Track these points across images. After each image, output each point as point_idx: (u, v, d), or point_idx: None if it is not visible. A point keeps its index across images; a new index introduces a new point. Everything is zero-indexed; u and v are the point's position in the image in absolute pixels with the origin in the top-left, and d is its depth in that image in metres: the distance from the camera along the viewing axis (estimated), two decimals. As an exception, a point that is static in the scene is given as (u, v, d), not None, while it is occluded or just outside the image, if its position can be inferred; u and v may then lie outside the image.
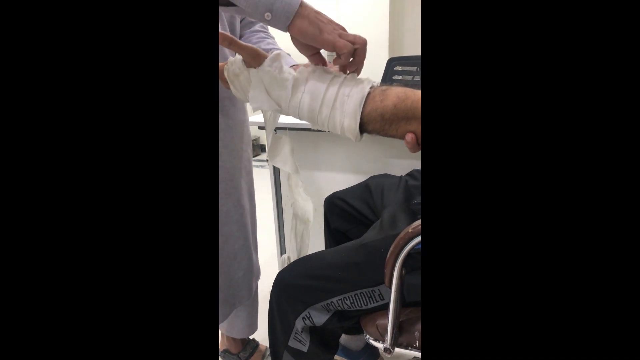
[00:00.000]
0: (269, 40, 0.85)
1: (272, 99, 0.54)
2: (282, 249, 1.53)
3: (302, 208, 0.81)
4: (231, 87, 0.59)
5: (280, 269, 0.76)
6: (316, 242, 1.17)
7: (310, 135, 1.32)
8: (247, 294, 0.95)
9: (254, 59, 0.53)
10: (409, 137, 0.47)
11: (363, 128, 0.50)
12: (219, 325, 1.08)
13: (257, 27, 0.87)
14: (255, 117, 1.32)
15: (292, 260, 0.89)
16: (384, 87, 0.50)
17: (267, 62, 0.53)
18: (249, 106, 0.92)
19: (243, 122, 0.89)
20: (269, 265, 1.11)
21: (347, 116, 0.50)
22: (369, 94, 0.49)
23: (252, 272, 0.96)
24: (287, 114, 0.55)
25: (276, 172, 1.42)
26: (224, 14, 0.76)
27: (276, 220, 1.47)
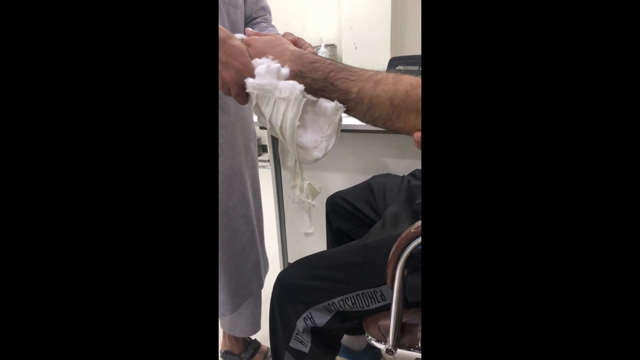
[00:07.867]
0: (270, 29, 0.87)
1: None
2: (284, 249, 1.52)
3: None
4: None
5: (282, 270, 0.75)
6: (318, 242, 1.16)
7: (312, 135, 1.31)
8: (257, 285, 0.98)
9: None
10: (418, 136, 0.45)
11: (369, 112, 0.48)
12: (222, 324, 1.08)
13: (260, 19, 0.89)
14: (257, 117, 1.32)
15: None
16: (397, 74, 0.47)
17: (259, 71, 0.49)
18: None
19: (245, 118, 0.91)
20: (271, 265, 1.11)
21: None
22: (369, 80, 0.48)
23: (261, 264, 0.98)
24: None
25: (278, 172, 1.41)
26: (223, 8, 0.77)
27: (278, 220, 1.47)
